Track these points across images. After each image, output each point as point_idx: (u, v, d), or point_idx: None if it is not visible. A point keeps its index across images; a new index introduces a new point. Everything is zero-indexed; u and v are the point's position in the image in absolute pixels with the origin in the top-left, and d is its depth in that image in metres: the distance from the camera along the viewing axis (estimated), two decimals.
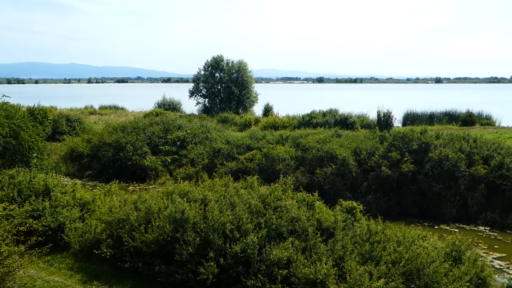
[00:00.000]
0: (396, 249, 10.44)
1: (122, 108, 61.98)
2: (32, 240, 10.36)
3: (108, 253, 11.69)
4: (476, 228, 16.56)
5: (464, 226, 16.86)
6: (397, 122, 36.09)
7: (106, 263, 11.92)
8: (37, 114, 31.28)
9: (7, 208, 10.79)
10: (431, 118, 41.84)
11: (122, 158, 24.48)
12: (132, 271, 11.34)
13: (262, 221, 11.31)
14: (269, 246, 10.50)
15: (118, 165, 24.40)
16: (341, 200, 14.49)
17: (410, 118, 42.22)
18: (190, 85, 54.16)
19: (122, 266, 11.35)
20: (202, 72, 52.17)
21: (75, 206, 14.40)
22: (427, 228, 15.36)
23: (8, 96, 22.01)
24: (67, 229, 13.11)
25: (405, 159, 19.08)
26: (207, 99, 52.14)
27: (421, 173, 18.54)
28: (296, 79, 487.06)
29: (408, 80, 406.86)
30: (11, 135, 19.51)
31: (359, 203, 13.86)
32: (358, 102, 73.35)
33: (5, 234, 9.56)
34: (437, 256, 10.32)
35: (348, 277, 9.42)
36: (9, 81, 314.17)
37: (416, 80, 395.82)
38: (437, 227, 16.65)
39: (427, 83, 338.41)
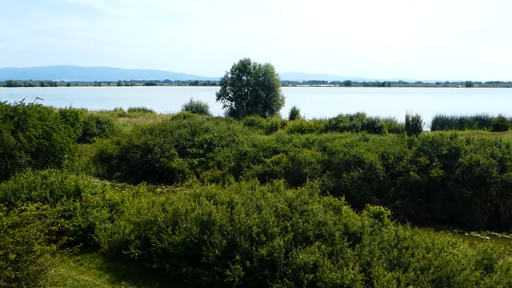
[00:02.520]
0: (425, 256, 10.25)
1: (151, 111, 62.89)
2: (64, 239, 10.61)
3: (136, 254, 11.87)
4: (508, 236, 16.10)
5: (496, 233, 16.41)
6: (426, 127, 35.46)
7: (134, 263, 12.11)
8: (68, 116, 32.07)
9: (40, 208, 11.07)
10: (461, 123, 40.94)
11: (150, 160, 24.83)
12: (159, 272, 11.49)
13: (288, 224, 11.30)
14: (296, 250, 10.47)
15: (146, 167, 24.76)
16: (368, 204, 14.33)
17: (440, 123, 41.43)
18: (217, 88, 54.51)
19: (150, 267, 11.52)
20: (229, 75, 52.44)
21: (104, 207, 14.71)
22: (457, 235, 15.04)
23: (41, 99, 22.63)
24: (97, 230, 13.38)
25: (434, 164, 18.72)
26: (234, 102, 52.35)
27: (450, 178, 18.15)
28: (323, 82, 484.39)
29: (438, 84, 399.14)
30: (44, 137, 20.06)
31: (386, 208, 13.68)
32: (386, 106, 72.41)
33: (38, 233, 9.81)
34: (468, 264, 10.08)
35: (375, 283, 9.30)
36: (42, 84, 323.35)
37: (446, 84, 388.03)
38: (467, 234, 16.27)
39: (457, 87, 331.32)
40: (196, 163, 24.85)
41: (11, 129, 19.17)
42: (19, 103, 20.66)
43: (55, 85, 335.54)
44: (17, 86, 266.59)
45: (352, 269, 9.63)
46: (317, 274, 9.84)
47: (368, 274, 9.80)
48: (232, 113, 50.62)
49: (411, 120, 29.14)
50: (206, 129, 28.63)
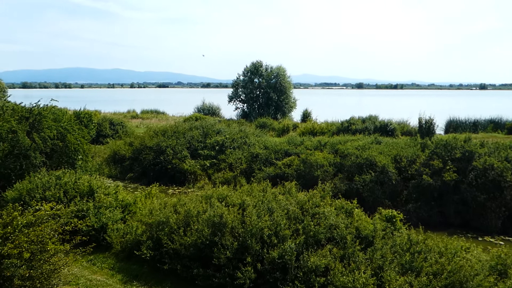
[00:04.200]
0: (438, 261, 10.17)
1: (163, 113, 63.24)
2: (77, 239, 10.72)
3: (148, 255, 11.95)
4: None
5: (510, 238, 16.22)
6: (439, 130, 35.12)
7: (146, 264, 12.21)
8: (82, 118, 32.39)
9: (54, 207, 11.20)
10: (475, 126, 40.43)
11: (162, 162, 24.97)
12: (171, 273, 11.55)
13: (300, 227, 11.28)
14: (307, 253, 10.45)
15: (158, 168, 24.91)
16: (380, 208, 14.25)
17: (453, 126, 40.97)
18: (229, 90, 54.64)
19: (161, 268, 11.58)
20: (241, 78, 52.54)
21: (117, 208, 14.84)
22: (470, 239, 14.82)
23: (56, 100, 22.87)
24: (109, 230, 13.51)
25: (448, 167, 18.55)
26: (245, 104, 52.42)
27: (464, 182, 17.98)
28: (335, 84, 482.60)
29: (451, 86, 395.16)
30: (58, 138, 20.27)
31: (399, 212, 13.59)
32: (399, 109, 71.93)
33: (52, 233, 9.93)
34: (481, 269, 9.97)
35: (387, 287, 9.25)
36: (56, 86, 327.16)
37: (460, 86, 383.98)
38: (480, 239, 16.08)
39: (471, 89, 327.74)
40: (208, 165, 24.93)
41: (26, 130, 19.42)
42: (34, 105, 20.91)
43: (69, 87, 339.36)
44: (32, 88, 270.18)
45: (364, 273, 9.59)
46: (329, 277, 9.81)
47: (380, 278, 9.74)
48: (244, 115, 50.69)
49: (424, 122, 28.87)
50: (218, 131, 28.72)
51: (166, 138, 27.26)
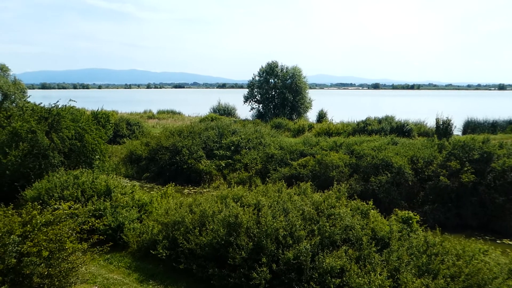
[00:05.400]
0: (455, 263, 10.04)
1: (179, 113, 63.61)
2: (94, 238, 10.84)
3: (164, 254, 12.04)
4: None
5: None
6: (456, 130, 34.65)
7: (161, 263, 12.30)
8: (100, 118, 32.77)
9: (72, 207, 11.36)
10: (493, 127, 39.77)
11: (178, 162, 25.13)
12: (186, 272, 11.62)
13: (315, 228, 11.25)
14: (322, 254, 10.41)
15: (174, 168, 25.07)
16: (396, 209, 14.14)
17: (471, 126, 40.37)
18: (245, 91, 54.73)
19: (177, 267, 11.66)
20: (257, 78, 52.59)
21: (133, 207, 14.98)
22: (488, 242, 14.65)
23: (74, 101, 23.20)
24: (126, 229, 13.64)
25: (465, 169, 18.31)
26: (261, 105, 52.46)
27: (482, 184, 17.72)
28: (351, 85, 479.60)
29: (469, 87, 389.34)
30: (76, 138, 20.56)
31: (415, 213, 13.47)
32: (415, 109, 71.16)
33: (70, 231, 10.07)
34: (500, 272, 9.81)
35: None
36: (74, 86, 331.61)
37: (478, 87, 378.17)
38: (499, 242, 15.82)
39: (490, 89, 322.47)
40: (223, 165, 25.00)
41: (45, 130, 19.74)
42: (53, 105, 21.24)
43: (87, 88, 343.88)
44: (51, 89, 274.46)
45: (380, 274, 9.52)
46: (344, 278, 9.76)
47: (396, 280, 9.66)
48: (260, 116, 50.73)
49: (441, 123, 28.53)
50: (233, 131, 28.78)
51: (182, 139, 27.43)
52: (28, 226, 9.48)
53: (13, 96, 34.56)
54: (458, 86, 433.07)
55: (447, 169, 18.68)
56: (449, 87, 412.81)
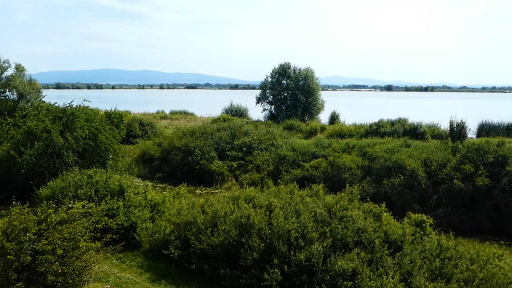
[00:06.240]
0: (469, 267, 9.93)
1: (191, 114, 63.85)
2: (107, 237, 10.93)
3: (176, 254, 12.10)
4: None
5: None
6: (471, 133, 34.25)
7: (173, 263, 12.37)
8: (113, 118, 33.06)
9: (85, 206, 11.48)
10: (509, 130, 39.27)
11: (191, 162, 25.23)
12: (198, 272, 11.66)
13: (327, 230, 11.21)
14: (334, 256, 10.38)
15: (186, 169, 25.17)
16: (409, 212, 14.02)
17: (486, 129, 39.90)
18: (257, 92, 54.77)
19: (189, 267, 11.71)
20: (269, 79, 52.60)
21: (146, 207, 15.08)
22: (503, 246, 14.46)
23: (88, 101, 23.45)
24: (139, 229, 13.73)
25: (480, 172, 18.10)
26: (273, 106, 52.45)
27: (497, 187, 17.51)
28: (364, 86, 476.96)
29: (484, 89, 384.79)
30: (90, 137, 20.77)
31: (428, 217, 13.34)
32: (429, 111, 70.57)
33: (84, 230, 10.17)
34: None
35: None
36: (88, 87, 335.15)
37: (493, 89, 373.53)
38: None
39: (505, 92, 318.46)
40: (235, 166, 25.04)
41: (60, 129, 19.99)
42: (67, 105, 21.50)
43: (101, 88, 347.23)
44: (65, 89, 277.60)
45: (392, 278, 9.45)
46: (356, 281, 9.71)
47: (409, 284, 9.59)
48: (272, 117, 50.72)
49: (455, 126, 28.25)
50: (245, 132, 28.81)
51: (194, 139, 27.54)
52: (43, 224, 9.60)
53: (28, 96, 35.02)
54: (473, 88, 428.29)
55: (461, 172, 18.49)
56: (463, 89, 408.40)
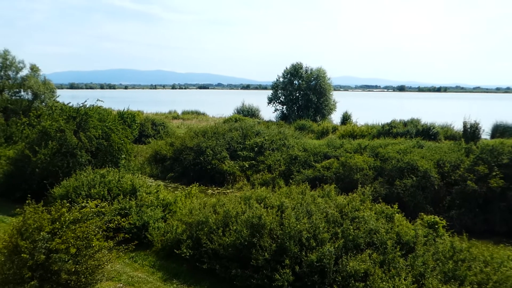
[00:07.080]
0: (483, 270, 9.83)
1: (203, 114, 64.05)
2: (120, 236, 11.00)
3: (188, 254, 12.16)
4: None
5: None
6: (485, 134, 33.86)
7: (185, 263, 12.42)
8: (126, 118, 33.29)
9: (98, 205, 11.57)
10: None
11: (202, 162, 25.32)
12: (209, 272, 11.70)
13: (339, 231, 11.18)
14: (346, 257, 10.34)
15: (198, 169, 25.26)
16: (422, 214, 13.92)
17: (500, 130, 39.40)
18: (269, 92, 54.75)
19: (200, 267, 11.75)
20: (281, 79, 52.55)
21: (158, 207, 15.16)
22: None
23: (101, 101, 23.64)
24: (151, 228, 13.82)
25: (494, 173, 17.88)
26: (285, 106, 52.39)
27: (511, 189, 17.28)
28: (376, 87, 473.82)
29: (498, 90, 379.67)
30: (103, 137, 20.94)
31: (441, 218, 13.24)
32: (442, 112, 69.89)
33: (97, 229, 10.25)
34: None
35: None
36: (102, 87, 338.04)
37: (507, 90, 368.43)
38: None
39: None
40: (247, 166, 25.07)
41: (74, 129, 20.18)
42: (81, 105, 21.70)
43: (114, 88, 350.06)
44: (79, 89, 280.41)
45: (405, 279, 9.39)
46: (368, 283, 9.66)
47: (421, 285, 9.53)
48: (283, 117, 50.68)
49: (469, 127, 27.95)
50: (257, 132, 28.83)
51: (206, 139, 27.63)
52: (57, 223, 9.70)
53: (42, 96, 35.48)
54: (487, 88, 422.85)
55: (474, 173, 18.29)
56: (477, 89, 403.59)
